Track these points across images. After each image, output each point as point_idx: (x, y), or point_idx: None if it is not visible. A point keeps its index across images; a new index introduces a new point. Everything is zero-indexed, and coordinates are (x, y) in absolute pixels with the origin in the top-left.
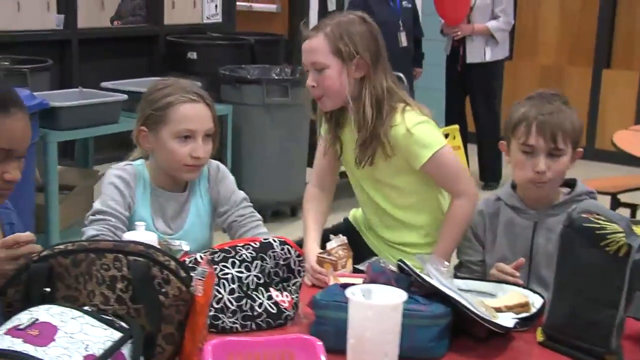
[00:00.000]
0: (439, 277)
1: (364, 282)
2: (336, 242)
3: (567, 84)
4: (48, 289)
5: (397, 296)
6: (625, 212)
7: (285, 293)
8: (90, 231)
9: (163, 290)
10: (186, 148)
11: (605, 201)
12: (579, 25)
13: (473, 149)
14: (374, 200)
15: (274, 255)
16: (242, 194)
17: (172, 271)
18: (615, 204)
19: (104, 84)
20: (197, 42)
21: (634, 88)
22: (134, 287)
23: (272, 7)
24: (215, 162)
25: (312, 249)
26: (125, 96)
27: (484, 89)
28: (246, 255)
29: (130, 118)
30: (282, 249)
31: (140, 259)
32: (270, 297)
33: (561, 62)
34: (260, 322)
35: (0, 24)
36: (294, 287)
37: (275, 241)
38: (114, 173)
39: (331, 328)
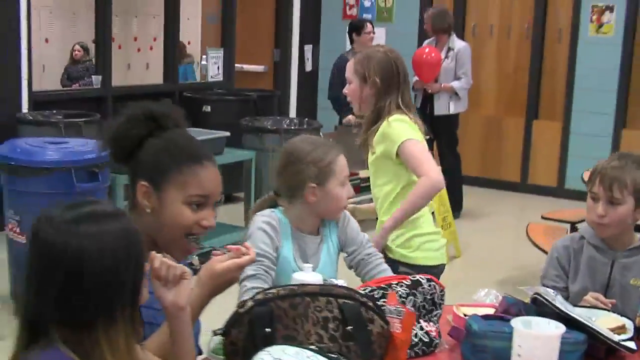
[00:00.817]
0: (567, 305)
1: (496, 312)
2: None
3: (505, 132)
4: (269, 330)
5: (555, 327)
6: None
7: (430, 323)
8: (248, 271)
9: (368, 328)
10: (346, 192)
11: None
12: (513, 83)
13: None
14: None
15: (423, 291)
16: (365, 235)
17: (374, 311)
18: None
19: None
20: (210, 97)
21: (558, 135)
22: (347, 327)
23: (260, 68)
24: None
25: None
26: None
27: (448, 136)
28: (401, 292)
29: None
30: (430, 285)
31: (349, 301)
32: (421, 328)
33: (499, 113)
34: (418, 351)
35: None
36: (435, 318)
37: (422, 279)
38: (262, 220)
39: (490, 356)
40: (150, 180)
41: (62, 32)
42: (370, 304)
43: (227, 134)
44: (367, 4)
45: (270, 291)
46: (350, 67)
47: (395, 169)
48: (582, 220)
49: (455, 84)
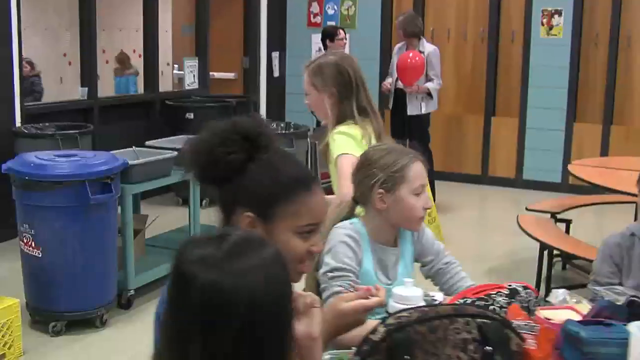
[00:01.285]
0: None
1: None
2: None
3: (465, 128)
4: (408, 357)
5: None
6: (561, 227)
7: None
8: (334, 287)
9: (509, 347)
10: (421, 201)
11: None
12: (471, 83)
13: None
14: None
15: (520, 300)
16: (440, 244)
17: (511, 328)
18: (555, 221)
19: (147, 143)
20: (192, 105)
21: (515, 131)
22: (486, 347)
23: (230, 75)
24: None
25: None
26: (175, 153)
27: (420, 134)
28: (502, 302)
29: (178, 171)
30: (526, 293)
31: (487, 320)
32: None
33: (459, 111)
34: None
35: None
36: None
37: (519, 287)
38: (343, 232)
39: None
40: (256, 211)
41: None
42: (507, 322)
43: (175, 153)
44: (330, 12)
45: (402, 315)
46: (306, 79)
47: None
48: (564, 211)
49: (429, 85)
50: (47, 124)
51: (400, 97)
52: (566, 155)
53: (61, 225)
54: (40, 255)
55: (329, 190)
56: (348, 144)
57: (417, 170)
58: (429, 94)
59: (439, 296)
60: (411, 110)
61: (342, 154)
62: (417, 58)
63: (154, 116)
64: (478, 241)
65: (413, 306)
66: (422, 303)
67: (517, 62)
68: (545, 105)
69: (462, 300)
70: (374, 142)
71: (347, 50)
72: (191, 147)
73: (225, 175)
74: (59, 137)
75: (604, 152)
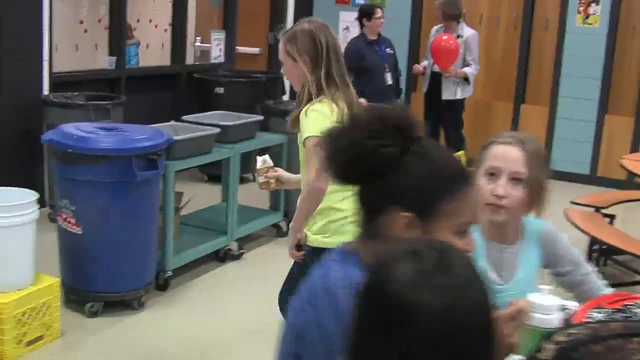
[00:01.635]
0: None
1: None
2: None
3: (494, 115)
4: None
5: None
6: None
7: None
8: None
9: None
10: (490, 186)
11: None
12: (501, 69)
13: None
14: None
15: None
16: (578, 252)
17: None
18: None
19: (183, 117)
20: (222, 79)
21: (544, 120)
22: None
23: (255, 50)
24: (545, 222)
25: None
26: (217, 129)
27: (454, 120)
28: None
29: (220, 148)
30: None
31: None
32: None
33: (488, 97)
34: None
35: (65, 66)
36: None
37: None
38: None
39: None
40: (414, 210)
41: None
42: None
43: (260, 117)
44: None
45: (571, 331)
46: (280, 48)
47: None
48: (610, 206)
49: (466, 70)
50: (75, 93)
51: (435, 80)
52: (596, 147)
53: (105, 202)
54: (80, 233)
55: None
56: (316, 124)
57: (495, 152)
58: (466, 79)
59: (571, 305)
60: (446, 94)
61: (313, 135)
62: (451, 42)
63: (180, 89)
64: None
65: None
66: (561, 313)
67: (550, 50)
68: (577, 95)
69: (599, 312)
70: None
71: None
72: (331, 142)
73: (375, 171)
74: (91, 107)
75: (635, 145)
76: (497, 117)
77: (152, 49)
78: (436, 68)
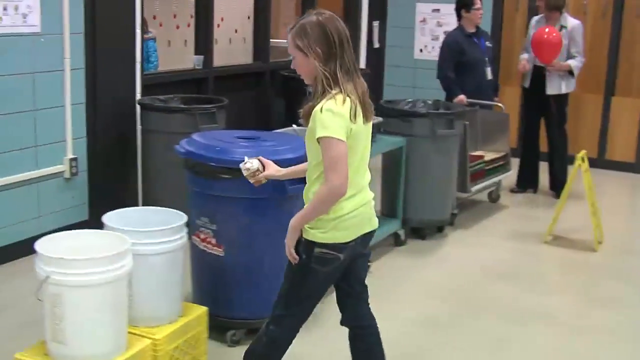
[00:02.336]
0: None
1: None
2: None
3: (583, 108)
4: None
5: None
6: None
7: None
8: None
9: None
10: None
11: None
12: (589, 60)
13: (544, 165)
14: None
15: None
16: None
17: None
18: None
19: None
20: None
21: (636, 112)
22: None
23: None
24: None
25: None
26: None
27: (558, 115)
28: None
29: None
30: None
31: None
32: None
33: (577, 90)
34: None
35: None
36: None
37: None
38: None
39: None
40: None
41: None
42: None
43: (380, 119)
44: None
45: None
46: (290, 41)
47: (318, 150)
48: None
49: (572, 63)
50: (171, 95)
51: (538, 74)
52: None
53: (250, 220)
54: (222, 255)
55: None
56: (335, 124)
57: None
58: (570, 72)
59: None
60: (551, 89)
61: (329, 137)
62: (554, 34)
63: (263, 87)
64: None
65: None
66: None
67: None
68: None
69: None
70: (359, 110)
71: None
72: None
73: None
74: (196, 111)
75: None
76: (587, 110)
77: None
78: (538, 62)
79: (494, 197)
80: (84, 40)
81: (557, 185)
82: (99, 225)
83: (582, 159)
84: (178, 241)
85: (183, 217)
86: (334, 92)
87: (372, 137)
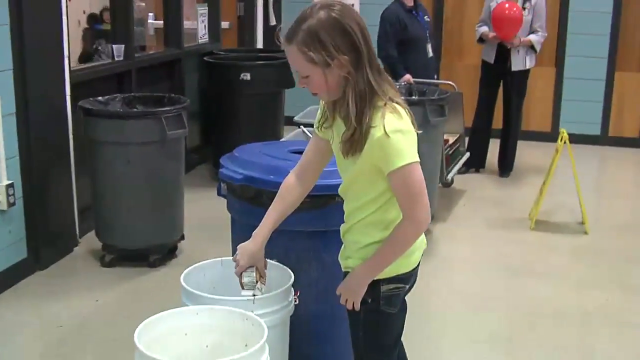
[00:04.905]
0: None
1: None
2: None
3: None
4: None
5: None
6: None
7: None
8: None
9: None
10: None
11: None
12: None
13: (494, 142)
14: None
15: None
16: None
17: None
18: None
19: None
20: (245, 63)
21: (551, 81)
22: None
23: (225, 24)
24: None
25: (259, 234)
26: None
27: (521, 92)
28: None
29: None
30: None
31: None
32: None
33: None
34: None
35: None
36: None
37: None
38: None
39: None
40: None
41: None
42: None
43: None
44: None
45: None
46: (294, 56)
47: (377, 184)
48: None
49: (532, 38)
50: (112, 96)
51: (501, 49)
52: (606, 106)
53: (332, 258)
54: (297, 303)
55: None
56: (408, 146)
57: None
58: (532, 48)
59: None
60: (516, 65)
61: (409, 164)
62: (514, 9)
63: (179, 75)
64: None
65: None
66: None
67: (554, 7)
68: (585, 53)
69: None
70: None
71: None
72: None
73: None
74: (163, 115)
75: None
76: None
77: None
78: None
79: (448, 182)
80: (9, 34)
81: (506, 163)
82: (40, 265)
83: (562, 139)
84: (289, 307)
85: (288, 273)
86: (379, 104)
87: None
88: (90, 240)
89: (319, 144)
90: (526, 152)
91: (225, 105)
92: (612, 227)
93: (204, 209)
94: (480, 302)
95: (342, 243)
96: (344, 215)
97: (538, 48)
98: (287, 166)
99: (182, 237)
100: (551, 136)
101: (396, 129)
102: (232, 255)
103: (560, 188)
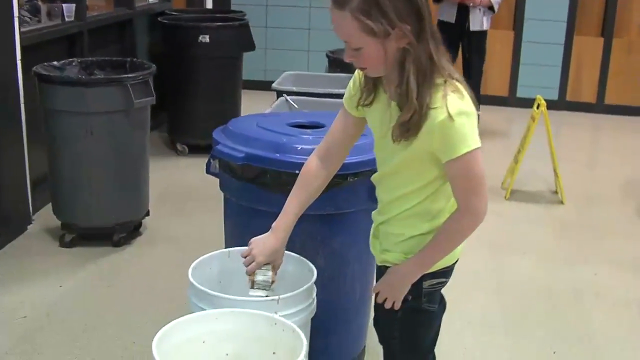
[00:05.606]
0: None
1: None
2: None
3: None
4: None
5: None
6: None
7: None
8: None
9: None
10: None
11: None
12: None
13: None
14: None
15: None
16: None
17: None
18: None
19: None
20: (202, 24)
21: (509, 45)
22: None
23: None
24: None
25: (281, 228)
26: None
27: (481, 53)
28: None
29: None
30: None
31: None
32: None
33: None
34: None
35: None
36: None
37: None
38: None
39: None
40: None
41: None
42: None
43: None
44: None
45: None
46: (348, 25)
47: (429, 170)
48: None
49: None
50: (67, 60)
51: (461, 9)
52: (564, 70)
53: (342, 243)
54: None
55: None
56: (472, 130)
57: None
58: (491, 8)
59: None
60: (474, 25)
61: (473, 149)
62: None
63: (131, 37)
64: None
65: None
66: None
67: None
68: (544, 17)
69: None
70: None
71: None
72: None
73: None
74: (128, 82)
75: (605, 66)
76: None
77: None
78: None
79: None
80: None
81: None
82: None
83: (538, 106)
84: (311, 306)
85: (309, 267)
86: (438, 81)
87: None
88: (45, 218)
89: (348, 122)
90: (485, 117)
91: (182, 69)
92: (585, 197)
93: (162, 180)
94: (468, 282)
95: (351, 228)
96: (380, 205)
97: (496, 8)
98: (292, 142)
99: (148, 213)
100: (509, 100)
101: (461, 111)
102: (230, 247)
103: (528, 155)
